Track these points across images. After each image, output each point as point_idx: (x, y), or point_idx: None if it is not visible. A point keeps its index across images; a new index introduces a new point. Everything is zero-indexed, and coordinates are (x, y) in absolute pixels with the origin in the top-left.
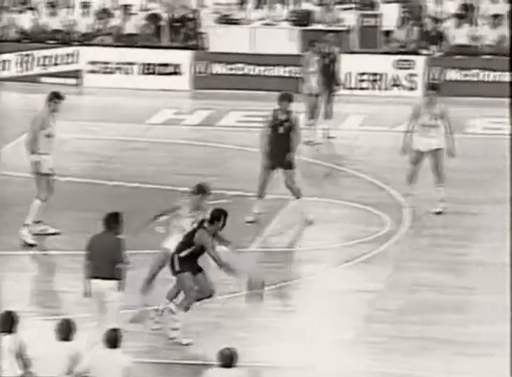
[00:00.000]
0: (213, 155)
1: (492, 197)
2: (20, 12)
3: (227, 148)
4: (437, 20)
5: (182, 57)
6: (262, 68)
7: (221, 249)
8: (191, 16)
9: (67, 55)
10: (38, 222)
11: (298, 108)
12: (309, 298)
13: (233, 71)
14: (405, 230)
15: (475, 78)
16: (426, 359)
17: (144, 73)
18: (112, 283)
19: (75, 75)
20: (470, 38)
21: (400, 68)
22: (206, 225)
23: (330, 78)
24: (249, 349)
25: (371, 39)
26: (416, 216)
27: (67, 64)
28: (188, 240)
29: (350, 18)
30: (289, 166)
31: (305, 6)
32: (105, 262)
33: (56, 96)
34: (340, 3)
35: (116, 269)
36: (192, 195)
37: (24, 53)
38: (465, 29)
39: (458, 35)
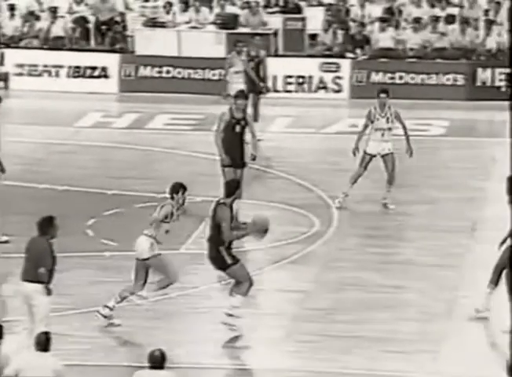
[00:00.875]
0: (141, 157)
1: (420, 197)
2: None
3: (155, 151)
4: (361, 24)
5: (110, 60)
6: (190, 71)
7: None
8: (118, 19)
9: None
10: None
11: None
12: None
13: (161, 74)
14: (333, 230)
15: (400, 81)
16: (355, 357)
17: (71, 76)
18: (38, 286)
19: (2, 77)
20: (395, 41)
21: (326, 71)
22: (222, 200)
23: (257, 81)
24: (177, 351)
25: (297, 42)
26: (344, 216)
27: None
28: (214, 224)
29: (275, 21)
30: (243, 165)
31: (230, 10)
32: (32, 265)
33: None
34: (265, 7)
35: (39, 273)
36: (175, 195)
37: None
38: (389, 32)
39: (383, 39)
